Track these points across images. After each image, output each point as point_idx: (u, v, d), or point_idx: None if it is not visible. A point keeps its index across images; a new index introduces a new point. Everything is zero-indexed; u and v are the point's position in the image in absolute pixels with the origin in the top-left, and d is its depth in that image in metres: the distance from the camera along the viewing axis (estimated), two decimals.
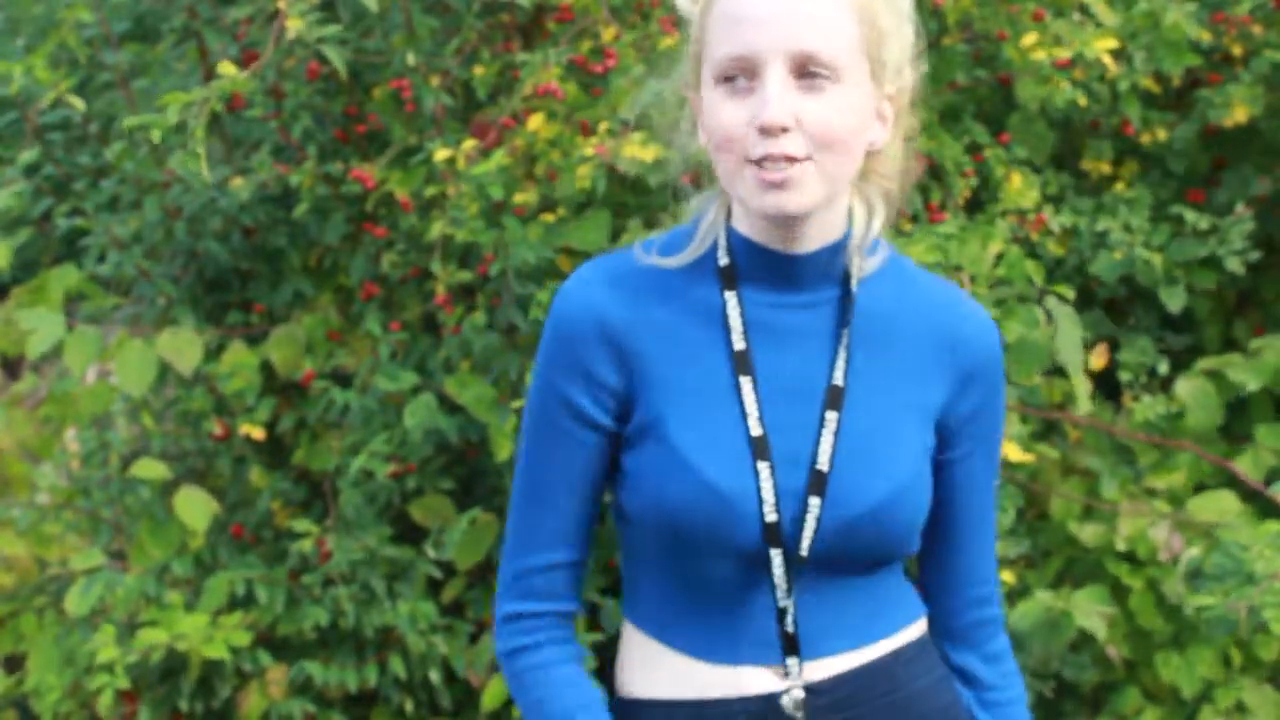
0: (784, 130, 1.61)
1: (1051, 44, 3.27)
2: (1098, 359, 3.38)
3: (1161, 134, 3.59)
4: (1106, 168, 3.66)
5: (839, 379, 1.71)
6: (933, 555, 1.84)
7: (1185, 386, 3.40)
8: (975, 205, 3.50)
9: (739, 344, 1.70)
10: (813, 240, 1.71)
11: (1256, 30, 3.52)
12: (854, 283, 1.73)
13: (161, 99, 2.95)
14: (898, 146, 1.78)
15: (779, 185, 1.62)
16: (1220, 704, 3.32)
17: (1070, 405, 3.44)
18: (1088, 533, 3.33)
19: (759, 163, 1.62)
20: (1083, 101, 3.36)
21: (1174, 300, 3.39)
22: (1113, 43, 3.24)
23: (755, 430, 1.68)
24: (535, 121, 3.21)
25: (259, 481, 3.51)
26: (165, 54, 3.83)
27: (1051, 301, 3.19)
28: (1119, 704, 3.38)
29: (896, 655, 1.77)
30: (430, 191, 3.26)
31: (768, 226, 1.70)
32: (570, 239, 3.13)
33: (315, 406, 3.43)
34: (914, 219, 3.36)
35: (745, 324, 1.71)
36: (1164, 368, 3.50)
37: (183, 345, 3.36)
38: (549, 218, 3.22)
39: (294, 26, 2.82)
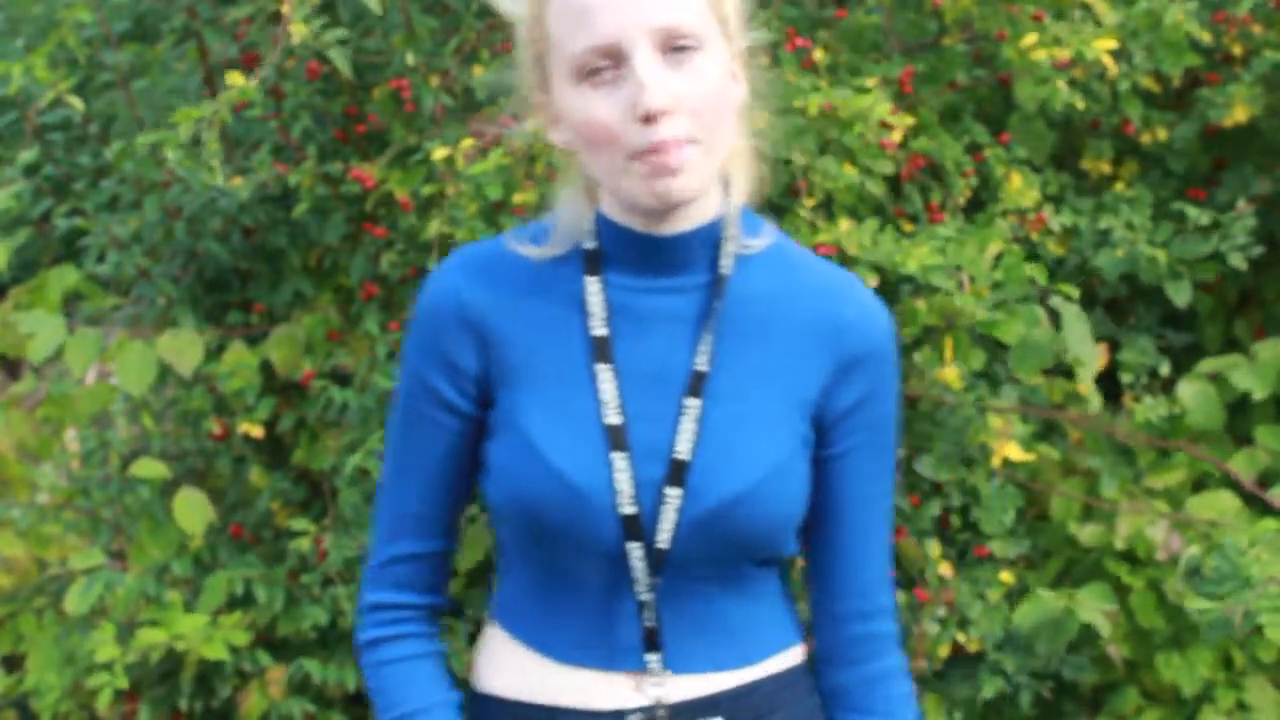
0: (666, 113, 1.55)
1: (1051, 44, 3.26)
2: (1099, 359, 3.37)
3: (1162, 134, 3.59)
4: (1106, 167, 3.65)
5: (702, 364, 1.64)
6: (813, 562, 1.74)
7: (1187, 389, 3.39)
8: (975, 205, 3.49)
9: (598, 330, 1.65)
10: (685, 221, 1.65)
11: (1257, 30, 3.51)
12: (725, 263, 1.66)
13: (174, 116, 2.94)
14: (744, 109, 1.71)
15: (671, 171, 1.55)
16: (1221, 704, 3.31)
17: (1071, 405, 3.43)
18: (1087, 533, 3.32)
19: (646, 152, 1.56)
20: (1080, 104, 3.36)
21: (1180, 295, 3.38)
22: (1112, 43, 3.23)
23: (612, 419, 1.63)
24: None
25: (258, 481, 3.51)
26: (165, 54, 3.83)
27: (1057, 299, 3.18)
28: (1119, 704, 3.37)
29: (757, 686, 1.70)
30: (428, 191, 3.26)
31: (643, 210, 1.63)
32: None
33: (315, 406, 3.43)
34: (914, 219, 3.36)
35: (608, 310, 1.65)
36: (1165, 368, 3.49)
37: (183, 345, 3.36)
38: None
39: (298, 32, 2.81)
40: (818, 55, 3.25)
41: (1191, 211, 3.42)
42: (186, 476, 3.58)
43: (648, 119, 1.55)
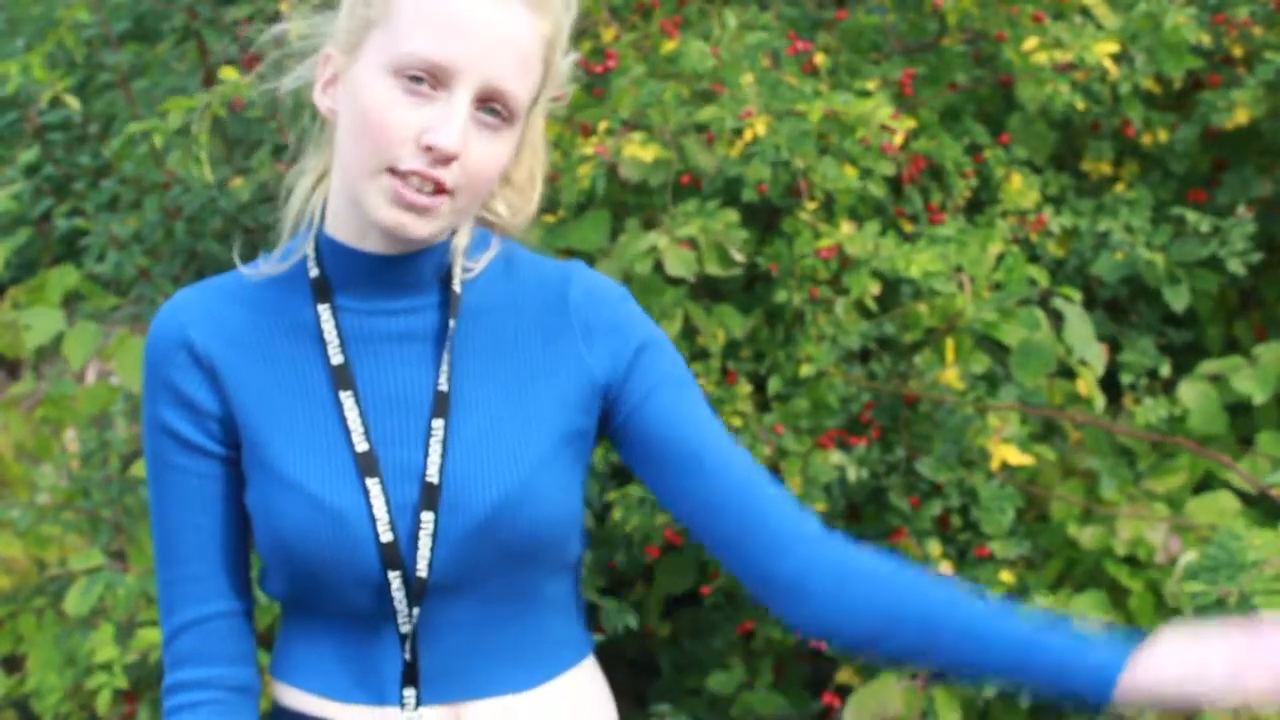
0: (447, 160, 1.51)
1: (1052, 46, 3.26)
2: (1101, 359, 3.37)
3: (1162, 135, 3.59)
4: (1107, 168, 3.65)
5: (443, 384, 1.60)
6: (703, 522, 1.61)
7: (1188, 390, 3.38)
8: (975, 206, 3.50)
9: (336, 358, 1.60)
10: (413, 243, 1.60)
11: (1257, 31, 3.51)
12: (456, 283, 1.63)
13: (164, 105, 2.94)
14: None
15: (415, 209, 1.52)
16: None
17: (1071, 406, 3.44)
18: (1087, 536, 3.32)
19: (403, 176, 1.52)
20: (1081, 105, 3.36)
21: (1178, 299, 3.38)
22: (1114, 46, 3.23)
23: (360, 446, 1.58)
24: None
25: None
26: (165, 54, 3.83)
27: (1059, 300, 3.18)
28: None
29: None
30: None
31: (372, 232, 1.60)
32: (570, 240, 3.13)
33: None
34: (914, 220, 3.36)
35: (342, 336, 1.61)
36: (1165, 369, 3.49)
37: None
38: (549, 218, 3.22)
39: (297, 32, 2.81)
40: (819, 59, 3.26)
41: (1191, 216, 3.42)
42: None
43: (432, 153, 1.51)
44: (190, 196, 3.51)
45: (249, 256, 3.60)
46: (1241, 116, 3.46)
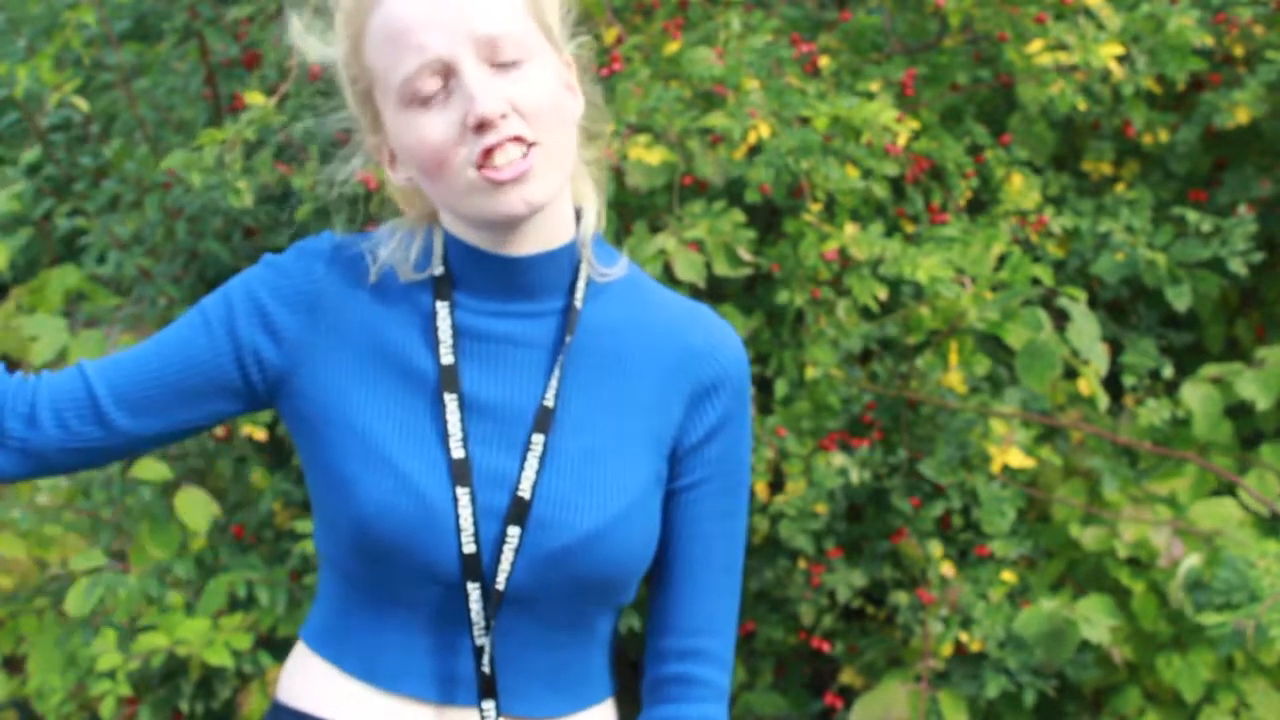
0: (502, 118, 1.49)
1: (1055, 48, 3.26)
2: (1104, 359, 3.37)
3: (1163, 135, 3.59)
4: (1107, 169, 3.65)
5: (549, 399, 1.58)
6: (649, 594, 1.67)
7: (1191, 393, 3.38)
8: (976, 207, 3.50)
9: (446, 358, 1.58)
10: (534, 241, 1.58)
11: (1258, 31, 3.52)
12: (579, 291, 1.60)
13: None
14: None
15: (517, 179, 1.50)
16: (1222, 705, 3.32)
17: (1073, 405, 3.44)
18: (1089, 537, 3.32)
19: (483, 164, 1.50)
20: (1083, 106, 3.36)
21: (1180, 299, 3.38)
22: (1117, 49, 3.23)
23: (457, 453, 1.56)
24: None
25: (260, 482, 3.50)
26: (166, 54, 3.82)
27: (1063, 300, 3.19)
28: (1120, 705, 3.38)
29: None
30: None
31: (488, 229, 1.58)
32: None
33: None
34: (915, 220, 3.36)
35: (456, 335, 1.59)
36: (1168, 371, 3.49)
37: None
38: None
39: None
40: (823, 62, 3.25)
41: (1192, 216, 3.42)
42: (187, 477, 3.57)
43: (481, 126, 1.49)
44: (191, 196, 3.50)
45: (250, 257, 3.60)
46: (1242, 116, 3.46)
